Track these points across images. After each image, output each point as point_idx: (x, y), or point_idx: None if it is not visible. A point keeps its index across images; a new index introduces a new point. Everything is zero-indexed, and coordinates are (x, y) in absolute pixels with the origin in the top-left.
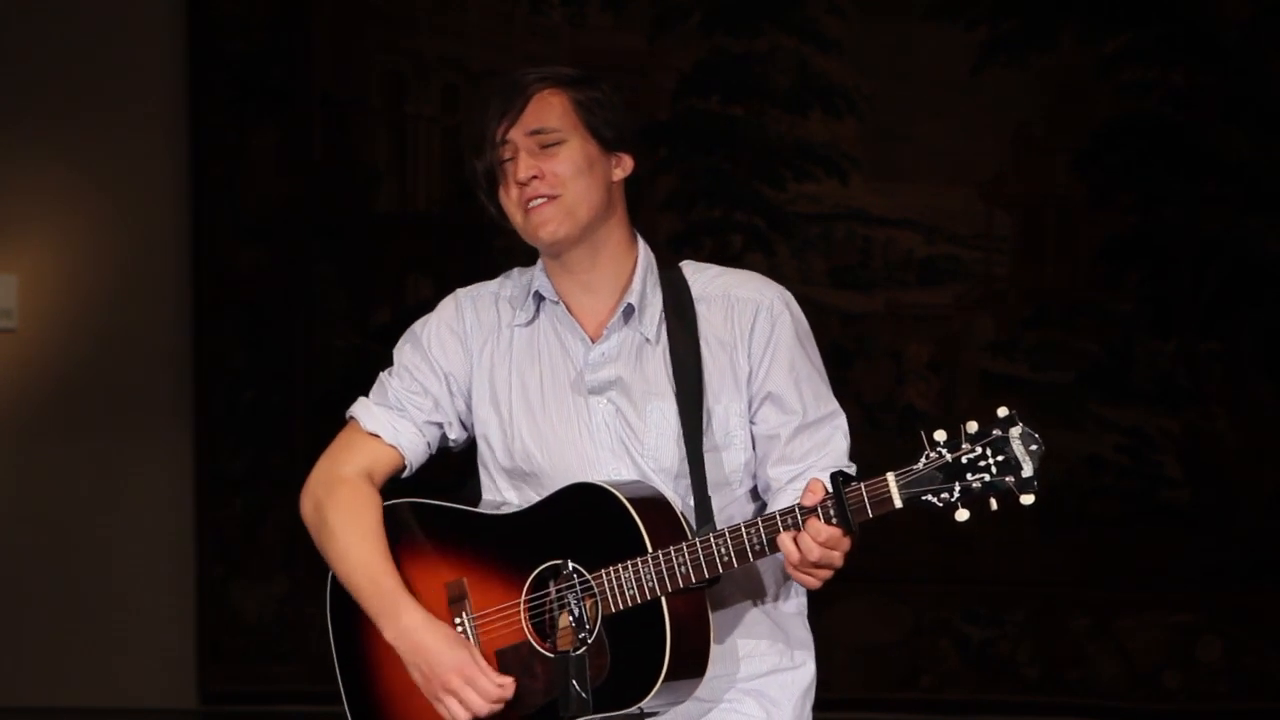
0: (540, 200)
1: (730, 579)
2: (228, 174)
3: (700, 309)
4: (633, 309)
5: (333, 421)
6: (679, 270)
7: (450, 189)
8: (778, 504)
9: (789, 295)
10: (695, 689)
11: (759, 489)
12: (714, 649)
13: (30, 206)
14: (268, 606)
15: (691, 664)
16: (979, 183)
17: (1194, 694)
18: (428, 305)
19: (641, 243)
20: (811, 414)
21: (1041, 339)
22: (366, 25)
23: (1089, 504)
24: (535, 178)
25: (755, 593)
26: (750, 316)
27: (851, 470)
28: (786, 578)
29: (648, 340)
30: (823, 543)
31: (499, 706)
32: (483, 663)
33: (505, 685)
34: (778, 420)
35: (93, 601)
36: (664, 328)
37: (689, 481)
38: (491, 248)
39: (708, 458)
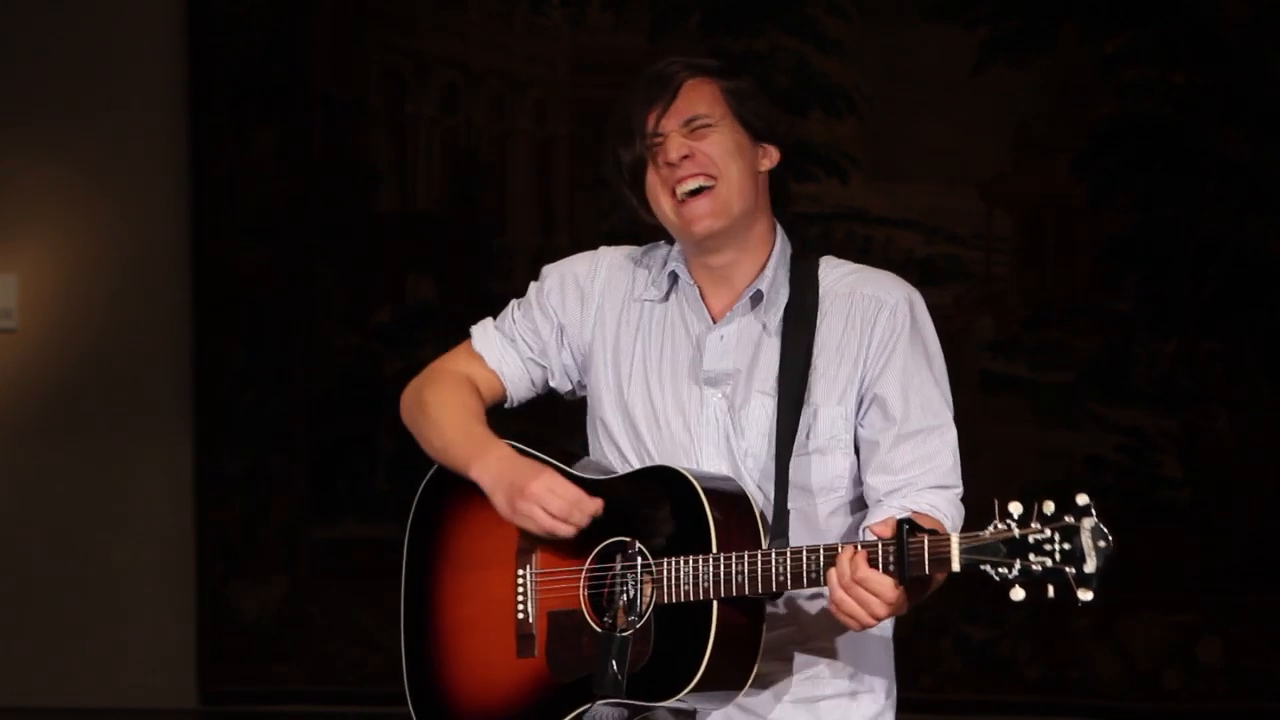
0: (694, 187)
1: (806, 597)
2: (228, 174)
3: (823, 307)
4: (761, 295)
5: (333, 421)
6: (815, 265)
7: (450, 189)
8: (873, 519)
9: (918, 297)
10: (731, 699)
11: (865, 497)
12: (774, 666)
13: (30, 206)
14: (268, 606)
15: (730, 676)
16: (979, 183)
17: (1194, 694)
18: (428, 305)
19: (780, 234)
20: (914, 424)
21: (1041, 339)
22: (366, 25)
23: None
24: (687, 157)
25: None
26: (872, 315)
27: (952, 494)
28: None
29: (766, 330)
30: (860, 580)
31: (580, 518)
32: (555, 478)
33: (587, 500)
34: (880, 425)
35: (93, 601)
36: (784, 322)
37: (774, 482)
38: (491, 248)
39: (812, 460)
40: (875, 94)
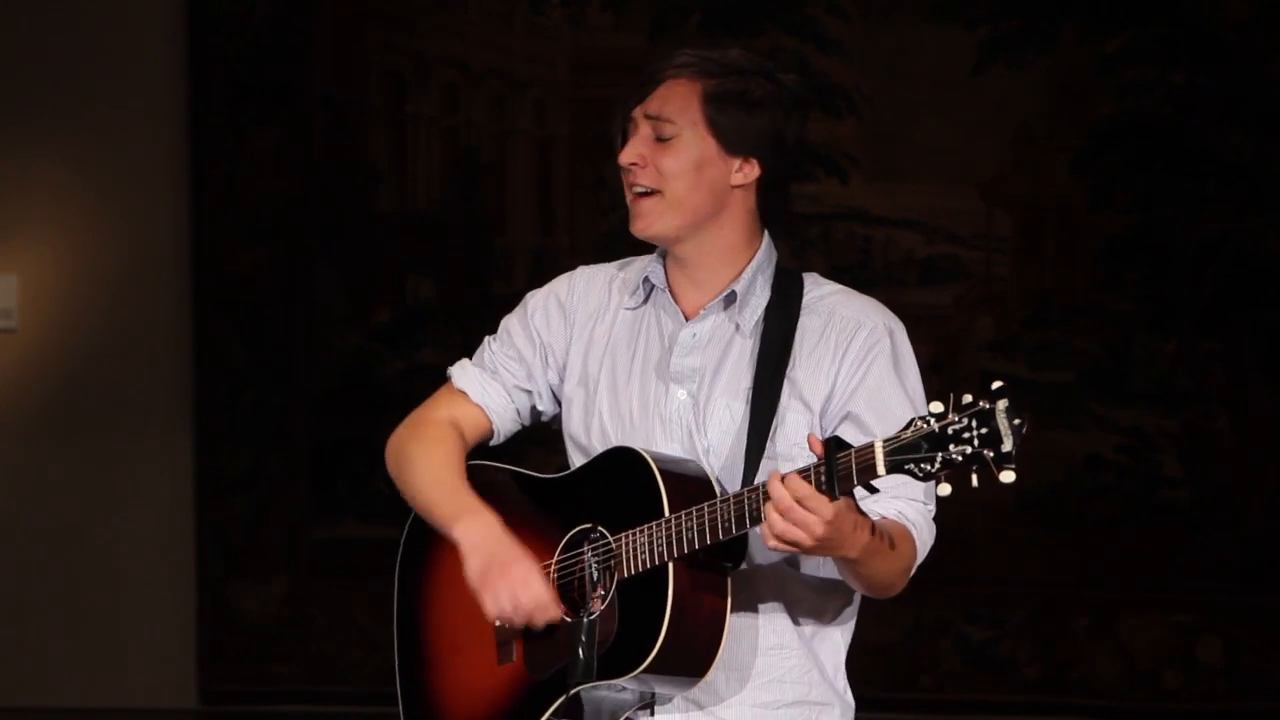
0: (640, 190)
1: (783, 597)
2: (228, 174)
3: (803, 320)
4: (735, 296)
5: (333, 421)
6: (799, 279)
7: (450, 189)
8: None
9: (899, 325)
10: (692, 685)
11: None
12: (734, 665)
13: (30, 206)
14: (268, 606)
15: (692, 651)
16: (979, 183)
17: (1194, 694)
18: (428, 305)
19: (765, 245)
20: None
21: (1041, 339)
22: (366, 25)
23: (1089, 504)
24: (635, 165)
25: (794, 616)
26: (849, 334)
27: (922, 508)
28: (834, 619)
29: (739, 331)
30: (800, 499)
31: (540, 619)
32: (526, 580)
33: (556, 611)
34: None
35: (93, 601)
36: (761, 326)
37: (740, 482)
38: (491, 248)
39: (770, 465)
40: (875, 94)
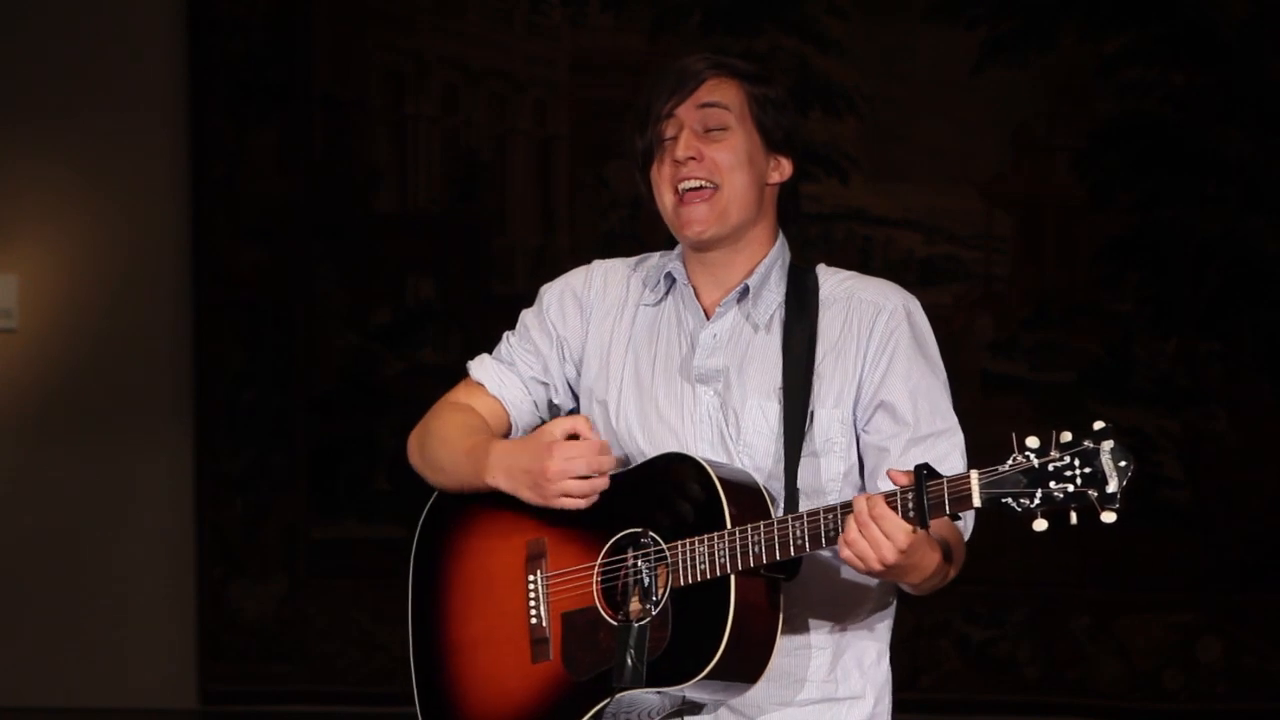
0: (694, 186)
1: (811, 597)
2: (228, 174)
3: (823, 312)
4: (748, 290)
5: (333, 421)
6: (813, 272)
7: (450, 189)
8: None
9: (915, 303)
10: (743, 692)
11: None
12: (774, 665)
13: (30, 206)
14: (268, 606)
15: (746, 663)
16: (979, 183)
17: (1194, 694)
18: (428, 305)
19: (780, 242)
20: (925, 428)
21: (1041, 339)
22: (366, 25)
23: None
24: (693, 159)
25: (827, 615)
26: (870, 319)
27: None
28: (871, 610)
29: (756, 327)
30: (876, 517)
31: (609, 463)
32: (566, 444)
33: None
34: (890, 431)
35: (93, 601)
36: (780, 320)
37: (783, 483)
38: (491, 248)
39: (806, 462)
40: (875, 94)
